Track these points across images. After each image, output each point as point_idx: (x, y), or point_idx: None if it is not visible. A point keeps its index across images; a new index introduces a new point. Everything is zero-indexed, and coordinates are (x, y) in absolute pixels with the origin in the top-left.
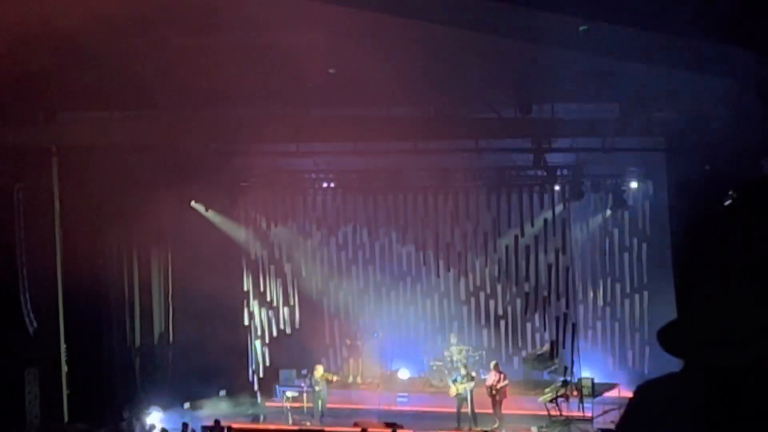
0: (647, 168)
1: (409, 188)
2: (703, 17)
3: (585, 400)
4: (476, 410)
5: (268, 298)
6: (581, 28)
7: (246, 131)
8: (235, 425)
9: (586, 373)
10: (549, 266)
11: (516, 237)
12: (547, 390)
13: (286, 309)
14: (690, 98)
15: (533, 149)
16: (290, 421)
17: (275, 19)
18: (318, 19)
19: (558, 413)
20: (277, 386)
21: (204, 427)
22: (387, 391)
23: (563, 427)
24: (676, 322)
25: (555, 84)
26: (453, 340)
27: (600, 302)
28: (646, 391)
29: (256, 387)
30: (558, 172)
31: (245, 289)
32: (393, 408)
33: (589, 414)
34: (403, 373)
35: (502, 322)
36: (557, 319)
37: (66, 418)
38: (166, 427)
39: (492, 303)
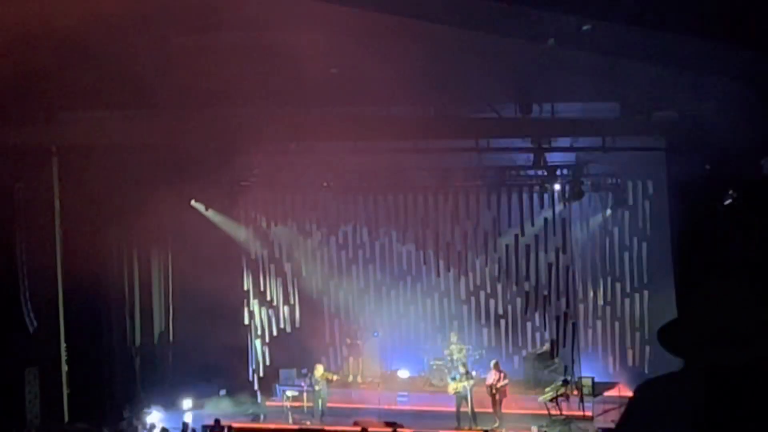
0: (647, 167)
1: (410, 188)
2: (703, 16)
3: (585, 399)
4: (476, 409)
5: (268, 298)
6: (584, 27)
7: (246, 130)
8: (235, 424)
9: (586, 372)
10: (549, 265)
11: (516, 236)
12: (547, 389)
13: (286, 308)
14: (690, 98)
15: (533, 149)
16: (290, 421)
17: (275, 18)
18: (318, 19)
19: (558, 412)
20: (277, 385)
21: (204, 427)
22: (387, 390)
23: (563, 427)
24: (676, 321)
25: (555, 83)
26: (453, 339)
27: (600, 301)
28: (646, 390)
29: (256, 386)
30: (558, 172)
31: (245, 288)
32: (393, 407)
33: (589, 413)
34: (403, 373)
35: (503, 322)
36: (557, 319)
37: (66, 418)
38: (167, 426)
39: (492, 302)
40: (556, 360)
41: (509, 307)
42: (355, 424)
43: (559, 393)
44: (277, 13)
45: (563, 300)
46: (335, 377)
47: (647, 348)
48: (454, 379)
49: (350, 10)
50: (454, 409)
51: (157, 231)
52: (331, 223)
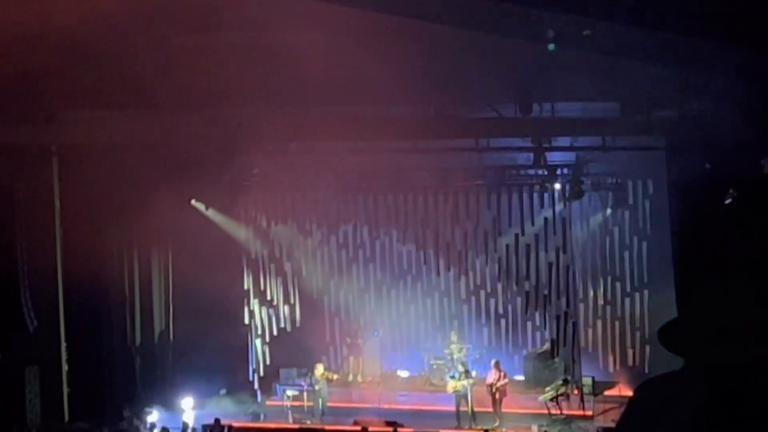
0: (647, 167)
1: (410, 187)
2: (703, 15)
3: (585, 398)
4: (477, 409)
5: (269, 297)
6: (584, 33)
7: (246, 130)
8: (235, 424)
9: (586, 371)
10: (549, 265)
11: (516, 236)
12: (547, 388)
13: (286, 307)
14: (690, 97)
15: (533, 148)
16: (291, 420)
17: (275, 18)
18: (318, 19)
19: (558, 412)
20: (277, 385)
21: (204, 426)
22: (387, 389)
23: (564, 426)
24: (676, 320)
25: (555, 83)
26: (454, 338)
27: (600, 301)
28: (646, 390)
29: (256, 385)
30: (558, 171)
31: (245, 287)
32: (393, 406)
33: (589, 412)
34: (403, 373)
35: (503, 321)
36: (558, 318)
37: (66, 417)
38: (167, 425)
39: (492, 302)
40: (557, 359)
41: (509, 307)
42: (356, 423)
43: (559, 392)
44: (277, 13)
45: (563, 299)
46: (335, 376)
47: (647, 347)
48: (452, 378)
49: (350, 10)
50: (454, 408)
51: (158, 230)
52: (331, 222)
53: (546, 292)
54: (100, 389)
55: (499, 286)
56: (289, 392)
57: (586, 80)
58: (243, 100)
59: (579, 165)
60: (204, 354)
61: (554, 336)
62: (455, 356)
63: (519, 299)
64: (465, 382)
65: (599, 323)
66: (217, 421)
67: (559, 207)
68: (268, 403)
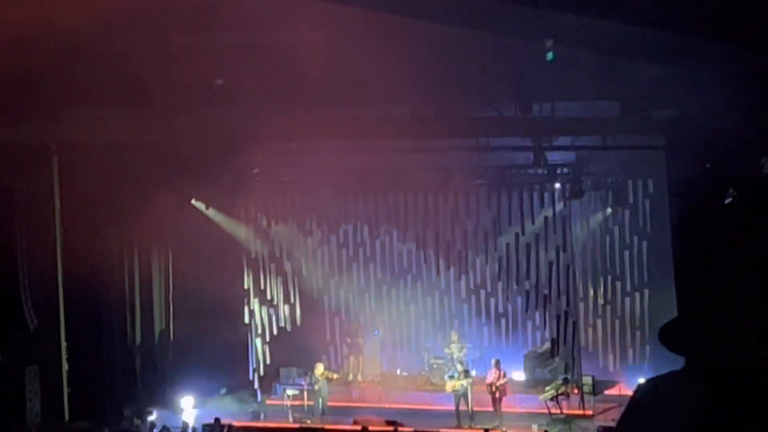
0: (648, 166)
1: (410, 186)
2: (703, 15)
3: (586, 397)
4: (477, 408)
5: (269, 296)
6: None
7: (246, 129)
8: (235, 423)
9: (586, 370)
10: (549, 264)
11: (516, 235)
12: (547, 388)
13: (286, 307)
14: (690, 97)
15: (533, 147)
16: (291, 419)
17: (275, 18)
18: (318, 18)
19: (559, 411)
20: (277, 384)
21: (204, 425)
22: (387, 388)
23: (564, 425)
24: (677, 320)
25: (555, 82)
26: (454, 337)
27: (600, 300)
28: (647, 389)
29: (256, 385)
30: (558, 171)
31: (246, 287)
32: (393, 406)
33: (590, 412)
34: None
35: (503, 320)
36: (558, 317)
37: (66, 416)
38: (167, 425)
39: (492, 301)
40: (557, 359)
41: (509, 306)
42: (356, 422)
43: (559, 392)
44: (277, 13)
45: (563, 299)
46: (335, 376)
47: (647, 347)
48: (451, 377)
49: (350, 10)
50: (453, 407)
51: (158, 230)
52: (331, 221)
53: (546, 291)
54: (100, 389)
55: (500, 286)
56: (290, 391)
57: (586, 80)
58: (243, 100)
59: (579, 164)
60: (204, 353)
61: (554, 335)
62: (455, 355)
63: (519, 298)
64: (464, 382)
65: (599, 322)
66: (217, 420)
67: (559, 206)
68: (268, 402)
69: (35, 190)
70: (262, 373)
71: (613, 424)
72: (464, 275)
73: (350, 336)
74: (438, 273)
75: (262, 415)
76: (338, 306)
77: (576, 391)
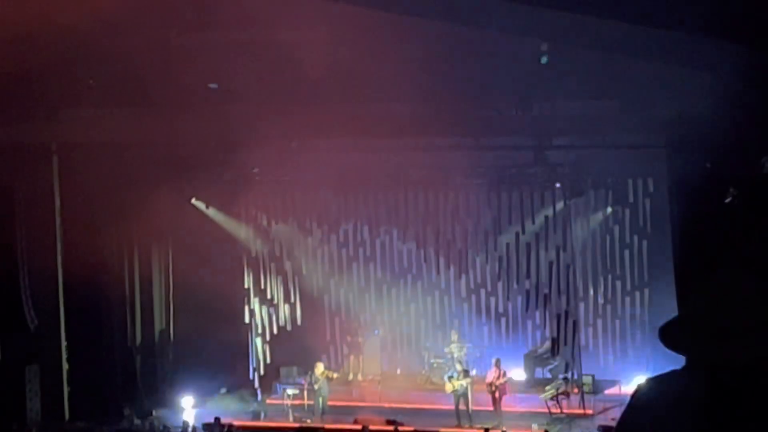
0: (648, 165)
1: (410, 185)
2: (703, 14)
3: (586, 397)
4: (478, 408)
5: (269, 296)
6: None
7: (246, 128)
8: (236, 422)
9: (587, 370)
10: (550, 263)
11: (517, 234)
12: (548, 387)
13: (286, 306)
14: (690, 96)
15: (534, 147)
16: (291, 419)
17: (275, 16)
18: (318, 16)
19: (559, 411)
20: (277, 383)
21: (205, 425)
22: (387, 388)
23: (564, 425)
24: (677, 319)
25: (555, 81)
26: (454, 337)
27: (601, 300)
28: (647, 388)
29: (256, 384)
30: (559, 170)
31: (246, 286)
32: (394, 405)
33: (590, 411)
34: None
35: (503, 320)
36: (558, 317)
37: (67, 416)
38: (167, 424)
39: (493, 300)
40: (557, 358)
41: (510, 305)
42: (356, 422)
43: (559, 391)
44: (278, 11)
45: (564, 298)
46: (336, 375)
47: (648, 346)
48: (450, 378)
49: (350, 8)
50: (453, 407)
51: (158, 229)
52: (331, 221)
53: (546, 290)
54: (101, 388)
55: (500, 285)
56: (290, 391)
57: (587, 79)
58: (243, 99)
59: (579, 164)
60: (204, 353)
61: (554, 334)
62: (455, 355)
63: (519, 298)
64: (463, 382)
65: (599, 322)
66: (217, 419)
67: (559, 205)
68: (268, 401)
69: (35, 190)
70: (262, 372)
71: (613, 423)
72: (464, 274)
73: (350, 335)
74: (438, 272)
75: (262, 415)
76: (338, 305)
77: (576, 390)
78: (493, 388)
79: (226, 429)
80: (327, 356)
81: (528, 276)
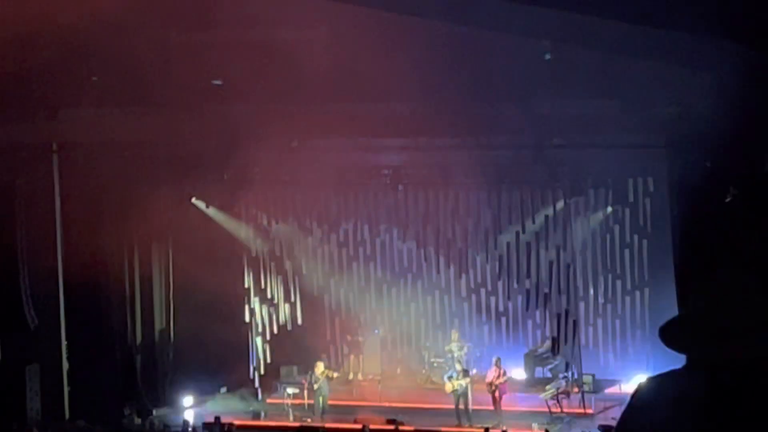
0: (648, 165)
1: (410, 185)
2: (704, 13)
3: (586, 396)
4: (479, 407)
5: (269, 295)
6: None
7: (246, 127)
8: (236, 422)
9: (587, 369)
10: (550, 263)
11: (517, 233)
12: (548, 386)
13: (287, 306)
14: (691, 95)
15: (534, 146)
16: (291, 418)
17: (276, 16)
18: (319, 15)
19: (559, 410)
20: (277, 383)
21: (205, 424)
22: (387, 387)
23: (564, 424)
24: (677, 318)
25: (556, 80)
26: (454, 336)
27: (601, 299)
28: (647, 388)
29: (257, 384)
30: (559, 170)
31: (246, 286)
32: (394, 404)
33: (590, 410)
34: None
35: (503, 319)
36: (558, 316)
37: (67, 415)
38: (167, 423)
39: (493, 299)
40: (557, 357)
41: (510, 305)
42: (356, 421)
43: (559, 390)
44: (278, 11)
45: (564, 297)
46: (336, 374)
47: (648, 345)
48: (450, 378)
49: (350, 8)
50: (453, 406)
51: (158, 228)
52: (331, 220)
53: (546, 290)
54: (101, 387)
55: (500, 284)
56: (290, 390)
57: (587, 79)
58: (244, 98)
59: (579, 163)
60: (204, 352)
61: (555, 334)
62: (455, 354)
63: (519, 297)
64: (463, 382)
65: (600, 321)
66: (217, 419)
67: (559, 205)
68: (268, 401)
69: (36, 188)
70: (262, 371)
71: (613, 422)
72: (464, 274)
73: (351, 335)
74: (438, 272)
75: (262, 414)
76: (338, 305)
77: (576, 389)
78: (493, 388)
79: (226, 428)
80: (327, 356)
81: (528, 275)
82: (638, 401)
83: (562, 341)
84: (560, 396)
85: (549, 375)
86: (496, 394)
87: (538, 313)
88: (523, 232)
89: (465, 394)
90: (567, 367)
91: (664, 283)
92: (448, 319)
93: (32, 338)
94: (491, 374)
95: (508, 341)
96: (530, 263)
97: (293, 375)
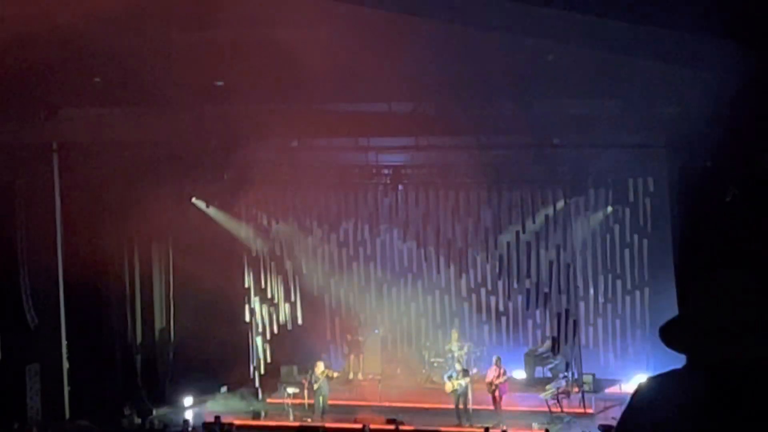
0: (648, 164)
1: (410, 184)
2: (703, 13)
3: (586, 396)
4: (479, 407)
5: (269, 295)
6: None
7: (247, 127)
8: (236, 421)
9: (587, 369)
10: (550, 263)
11: (517, 233)
12: (548, 386)
13: (287, 305)
14: (691, 95)
15: (534, 145)
16: (291, 418)
17: (276, 15)
18: (319, 15)
19: (559, 409)
20: (278, 383)
21: (205, 424)
22: (387, 387)
23: (564, 424)
24: (677, 318)
25: (556, 80)
26: (454, 336)
27: (601, 299)
28: (647, 388)
29: (257, 383)
30: (559, 169)
31: (246, 285)
32: (394, 404)
33: (590, 410)
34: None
35: (503, 319)
36: (558, 316)
37: (67, 415)
38: (168, 423)
39: (493, 299)
40: (557, 357)
41: (510, 304)
42: (356, 421)
43: (560, 390)
44: (278, 10)
45: (564, 297)
46: (336, 374)
47: (648, 345)
48: (450, 378)
49: (350, 7)
50: (454, 406)
51: (158, 228)
52: (332, 220)
53: (547, 289)
54: (101, 387)
55: (500, 284)
56: (290, 390)
57: (587, 78)
58: (244, 98)
59: (579, 163)
60: (205, 352)
61: (555, 334)
62: (456, 354)
63: (520, 297)
64: (462, 381)
65: (600, 321)
66: (217, 418)
67: (559, 204)
68: (268, 400)
69: (36, 188)
70: (262, 371)
71: (613, 422)
72: (465, 273)
73: (351, 334)
74: (438, 271)
75: (262, 414)
76: (339, 304)
77: (576, 389)
78: (494, 387)
79: (226, 428)
80: (327, 355)
81: (528, 275)
82: (638, 401)
83: (562, 341)
84: (560, 396)
85: (549, 375)
86: (496, 393)
87: (538, 312)
88: (523, 231)
89: (465, 394)
90: (567, 366)
91: (664, 283)
92: (448, 319)
93: (32, 338)
94: (491, 374)
95: (508, 341)
96: (530, 263)
97: (293, 375)
